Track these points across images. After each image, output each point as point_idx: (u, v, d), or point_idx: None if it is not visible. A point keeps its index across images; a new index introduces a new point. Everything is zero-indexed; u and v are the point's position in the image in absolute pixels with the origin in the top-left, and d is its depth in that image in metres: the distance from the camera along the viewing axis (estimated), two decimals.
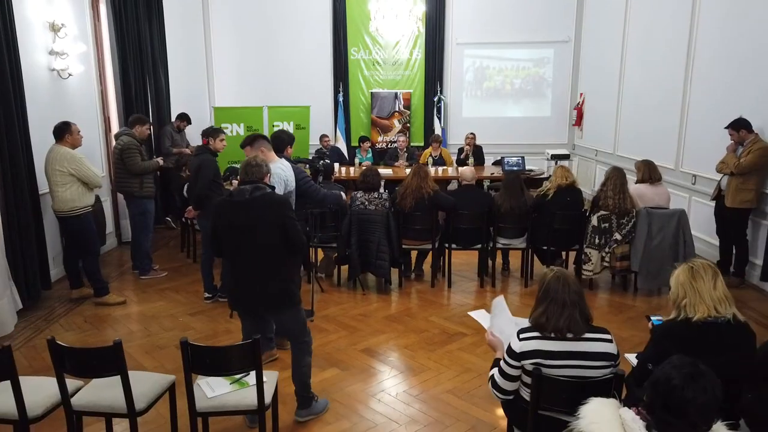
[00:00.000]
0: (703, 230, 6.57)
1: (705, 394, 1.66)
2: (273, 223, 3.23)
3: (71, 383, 3.01)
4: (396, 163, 9.14)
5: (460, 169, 7.01)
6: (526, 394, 2.52)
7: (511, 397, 2.61)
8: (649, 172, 5.81)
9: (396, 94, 10.80)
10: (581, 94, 10.69)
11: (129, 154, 5.78)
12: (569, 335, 2.41)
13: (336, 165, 8.83)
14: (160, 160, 6.32)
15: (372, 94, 10.87)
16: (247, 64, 10.96)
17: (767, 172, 5.56)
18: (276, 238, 3.25)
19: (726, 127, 5.75)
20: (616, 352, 2.47)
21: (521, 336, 2.47)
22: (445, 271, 6.02)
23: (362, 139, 9.72)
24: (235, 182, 5.99)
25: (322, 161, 5.64)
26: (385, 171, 8.44)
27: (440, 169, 8.58)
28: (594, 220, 5.60)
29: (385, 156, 9.63)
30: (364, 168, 6.15)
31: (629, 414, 1.76)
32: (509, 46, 10.87)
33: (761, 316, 5.13)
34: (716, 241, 6.18)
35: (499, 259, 6.33)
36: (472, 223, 5.78)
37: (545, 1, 10.63)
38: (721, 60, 6.39)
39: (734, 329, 2.43)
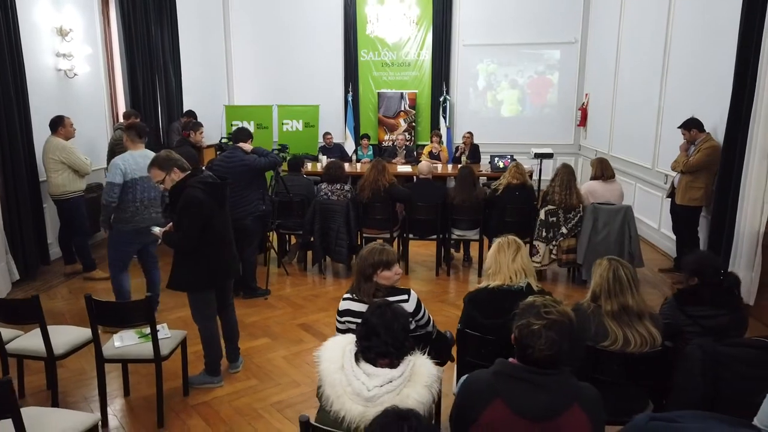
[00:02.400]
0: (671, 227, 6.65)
1: (386, 318, 2.12)
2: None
3: (13, 332, 3.61)
4: (393, 160, 9.54)
5: (419, 164, 7.36)
6: None
7: None
8: (602, 170, 6.00)
9: (402, 94, 11.17)
10: (587, 94, 10.76)
11: (120, 149, 6.40)
12: (368, 298, 2.80)
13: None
14: None
15: (378, 94, 11.29)
16: (262, 66, 11.61)
17: (716, 170, 5.64)
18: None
19: (679, 127, 5.87)
20: (411, 310, 2.80)
21: (344, 297, 2.89)
22: (408, 259, 6.39)
23: (363, 137, 10.18)
24: None
25: (280, 153, 6.09)
26: None
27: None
28: (542, 215, 5.84)
29: (384, 153, 10.04)
30: (329, 162, 6.59)
31: (351, 346, 2.16)
32: (516, 48, 11.05)
33: None
34: None
35: (461, 251, 6.65)
36: (428, 214, 6.12)
37: (552, 2, 10.77)
38: (690, 67, 6.48)
39: (526, 296, 2.73)
